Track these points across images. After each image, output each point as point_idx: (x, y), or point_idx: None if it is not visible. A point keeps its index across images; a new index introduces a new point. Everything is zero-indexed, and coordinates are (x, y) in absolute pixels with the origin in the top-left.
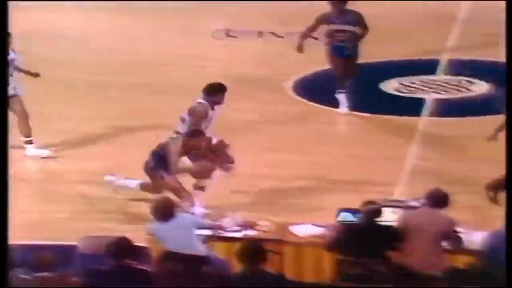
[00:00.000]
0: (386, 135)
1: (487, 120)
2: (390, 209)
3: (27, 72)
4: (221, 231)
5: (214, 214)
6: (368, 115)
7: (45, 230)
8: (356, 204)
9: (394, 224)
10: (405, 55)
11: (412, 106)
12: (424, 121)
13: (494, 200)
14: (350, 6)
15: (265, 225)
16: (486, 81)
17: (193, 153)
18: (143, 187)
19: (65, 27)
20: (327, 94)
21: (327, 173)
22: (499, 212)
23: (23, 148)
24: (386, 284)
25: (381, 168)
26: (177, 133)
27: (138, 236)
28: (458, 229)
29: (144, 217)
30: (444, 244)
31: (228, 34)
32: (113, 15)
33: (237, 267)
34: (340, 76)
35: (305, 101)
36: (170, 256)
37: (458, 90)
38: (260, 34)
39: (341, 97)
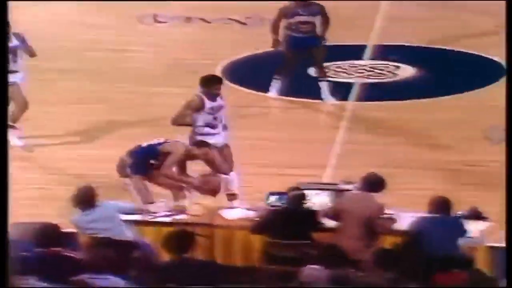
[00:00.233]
0: (315, 119)
1: (414, 104)
2: (320, 192)
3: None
4: (150, 216)
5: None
6: (297, 99)
7: None
8: (285, 188)
9: (319, 207)
10: (333, 41)
11: (340, 91)
12: (351, 105)
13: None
14: None
15: (195, 210)
16: (412, 65)
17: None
18: None
19: None
20: (257, 79)
21: (256, 156)
22: (432, 195)
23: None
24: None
25: (310, 152)
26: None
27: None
28: (390, 212)
29: None
30: (375, 228)
31: (156, 19)
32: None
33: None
34: (289, 67)
35: (235, 86)
36: (99, 242)
37: (385, 75)
38: (188, 19)
39: (274, 84)
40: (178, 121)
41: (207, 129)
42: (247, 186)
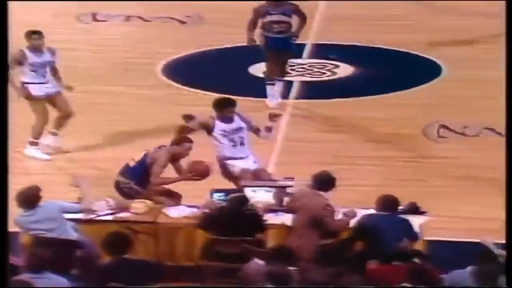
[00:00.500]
0: (256, 117)
1: (354, 102)
2: (261, 189)
3: (61, 84)
4: (93, 215)
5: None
6: (237, 97)
7: None
8: (228, 185)
9: (261, 204)
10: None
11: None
12: (292, 103)
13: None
14: None
15: (138, 207)
16: (351, 64)
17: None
18: None
19: None
20: (197, 77)
21: (200, 154)
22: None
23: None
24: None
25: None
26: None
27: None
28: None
29: None
30: (325, 227)
31: (95, 18)
32: None
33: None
34: (272, 68)
35: (175, 84)
36: (40, 242)
37: (324, 73)
38: (127, 18)
39: (270, 89)
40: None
41: (229, 152)
42: (190, 183)
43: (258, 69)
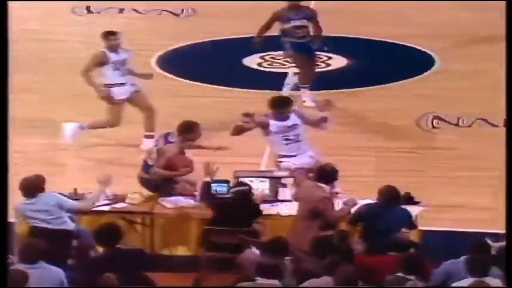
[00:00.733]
0: (250, 108)
1: (348, 93)
2: (257, 180)
3: (140, 75)
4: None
5: None
6: (231, 89)
7: None
8: (224, 175)
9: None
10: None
11: (274, 81)
12: (286, 94)
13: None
14: None
15: (134, 198)
16: (344, 56)
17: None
18: None
19: None
20: (191, 69)
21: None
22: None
23: None
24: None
25: (247, 140)
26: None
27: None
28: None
29: None
30: (326, 219)
31: (89, 10)
32: None
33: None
34: (305, 72)
35: (170, 76)
36: (37, 232)
37: (317, 65)
38: (121, 10)
39: (305, 92)
40: (235, 133)
41: (283, 150)
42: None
43: (252, 61)
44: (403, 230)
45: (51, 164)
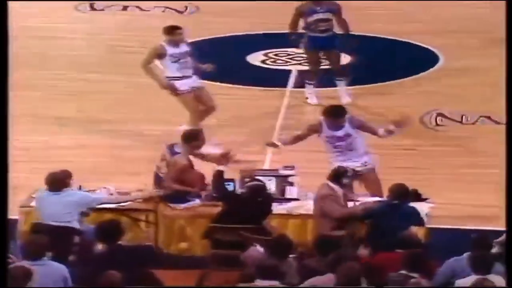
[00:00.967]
0: (254, 105)
1: (351, 91)
2: (265, 177)
3: (201, 67)
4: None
5: None
6: (235, 86)
7: None
8: (228, 175)
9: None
10: (270, 28)
11: (278, 78)
12: (289, 92)
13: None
14: None
15: (138, 196)
16: (348, 53)
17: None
18: None
19: None
20: (194, 66)
21: None
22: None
23: None
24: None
25: (251, 139)
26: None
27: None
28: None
29: None
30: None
31: (92, 7)
32: None
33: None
34: (315, 69)
35: None
36: (39, 228)
37: (322, 62)
38: (125, 8)
39: (309, 88)
40: (292, 142)
41: (333, 157)
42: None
43: (255, 58)
44: (411, 227)
45: (51, 162)
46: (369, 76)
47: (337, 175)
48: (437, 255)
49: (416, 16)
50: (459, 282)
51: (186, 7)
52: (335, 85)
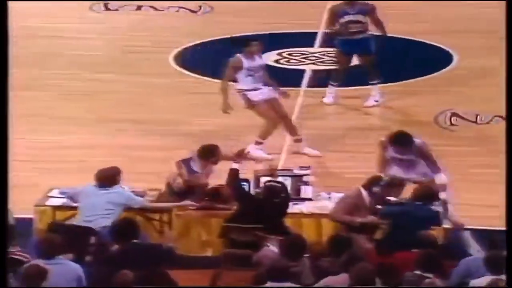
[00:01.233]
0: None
1: (364, 90)
2: (280, 178)
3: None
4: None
5: None
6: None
7: None
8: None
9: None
10: (284, 28)
11: (292, 77)
12: (303, 92)
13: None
14: None
15: (153, 195)
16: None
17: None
18: None
19: None
20: (208, 66)
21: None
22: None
23: None
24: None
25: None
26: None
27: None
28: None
29: None
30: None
31: (106, 7)
32: None
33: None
34: (341, 72)
35: (187, 72)
36: (56, 227)
37: (335, 62)
38: (139, 7)
39: (330, 89)
40: None
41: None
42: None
43: (269, 58)
44: (430, 227)
45: (51, 162)
46: (383, 76)
47: (370, 183)
48: (452, 255)
49: (432, 15)
50: (474, 282)
51: (200, 7)
52: (349, 85)
